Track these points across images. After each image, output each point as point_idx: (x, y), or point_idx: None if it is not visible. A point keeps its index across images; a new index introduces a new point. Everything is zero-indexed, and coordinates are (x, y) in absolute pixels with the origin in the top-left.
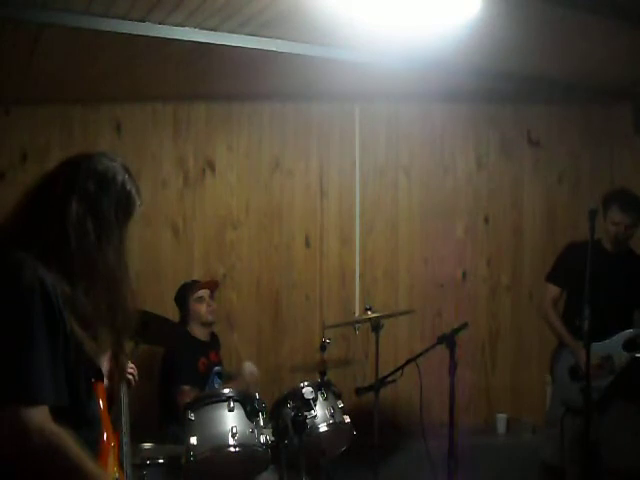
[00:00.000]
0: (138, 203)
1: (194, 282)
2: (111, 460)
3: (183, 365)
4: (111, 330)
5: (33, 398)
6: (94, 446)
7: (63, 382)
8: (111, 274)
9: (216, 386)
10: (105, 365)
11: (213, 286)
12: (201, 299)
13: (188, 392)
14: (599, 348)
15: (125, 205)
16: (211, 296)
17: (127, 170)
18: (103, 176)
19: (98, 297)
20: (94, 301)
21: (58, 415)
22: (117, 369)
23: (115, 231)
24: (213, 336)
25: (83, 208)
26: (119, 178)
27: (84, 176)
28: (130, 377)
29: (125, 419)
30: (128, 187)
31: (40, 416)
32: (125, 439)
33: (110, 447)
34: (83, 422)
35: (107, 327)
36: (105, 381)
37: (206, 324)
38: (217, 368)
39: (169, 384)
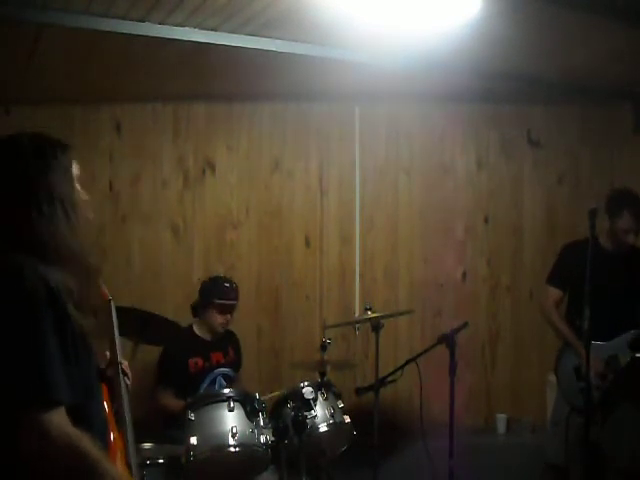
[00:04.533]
0: (69, 160)
1: (230, 290)
2: (119, 460)
3: (169, 365)
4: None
5: (51, 400)
6: (104, 446)
7: (76, 380)
8: (73, 256)
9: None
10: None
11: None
12: (224, 310)
13: (160, 392)
14: (605, 348)
15: (60, 173)
16: (233, 309)
17: (35, 137)
18: (20, 165)
19: (77, 283)
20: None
21: (71, 416)
22: (113, 366)
23: (66, 205)
24: (224, 336)
25: (40, 203)
26: (34, 153)
27: (26, 171)
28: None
29: (128, 417)
30: (58, 156)
31: (60, 419)
32: (129, 438)
33: (117, 447)
34: (93, 422)
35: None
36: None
37: (213, 331)
38: (222, 370)
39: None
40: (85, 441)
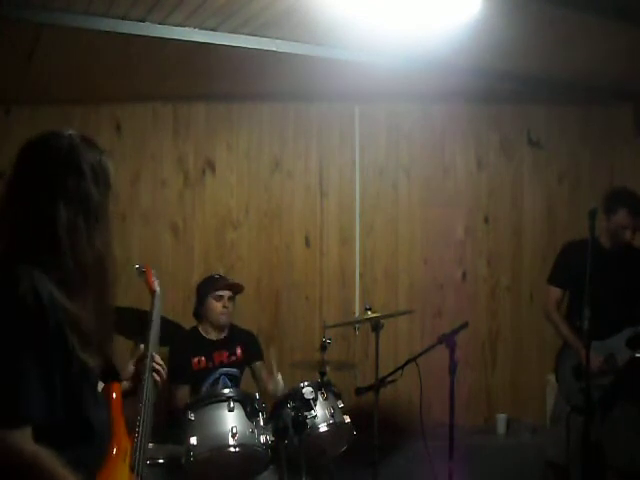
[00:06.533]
0: (111, 166)
1: (221, 278)
2: (120, 465)
3: (175, 364)
4: (100, 330)
5: (14, 420)
6: (100, 454)
7: (57, 398)
8: (102, 272)
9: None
10: (130, 367)
11: (237, 289)
12: (220, 297)
13: (175, 390)
14: (602, 347)
15: (102, 177)
16: (231, 298)
17: (85, 138)
18: (74, 162)
19: (91, 300)
20: (89, 306)
21: (58, 430)
22: (144, 360)
23: (104, 211)
24: (233, 335)
25: (73, 210)
26: (87, 155)
27: (58, 171)
28: (156, 375)
29: (146, 420)
30: (97, 157)
31: (20, 438)
32: (143, 440)
33: (120, 452)
34: (88, 433)
35: (98, 328)
36: (125, 383)
37: (216, 325)
38: (225, 369)
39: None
40: (47, 460)
